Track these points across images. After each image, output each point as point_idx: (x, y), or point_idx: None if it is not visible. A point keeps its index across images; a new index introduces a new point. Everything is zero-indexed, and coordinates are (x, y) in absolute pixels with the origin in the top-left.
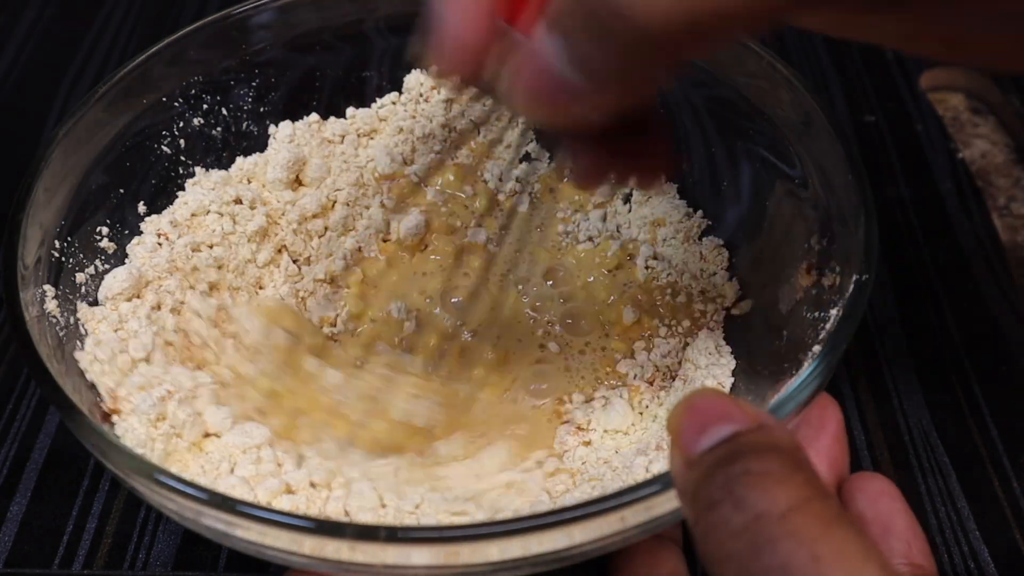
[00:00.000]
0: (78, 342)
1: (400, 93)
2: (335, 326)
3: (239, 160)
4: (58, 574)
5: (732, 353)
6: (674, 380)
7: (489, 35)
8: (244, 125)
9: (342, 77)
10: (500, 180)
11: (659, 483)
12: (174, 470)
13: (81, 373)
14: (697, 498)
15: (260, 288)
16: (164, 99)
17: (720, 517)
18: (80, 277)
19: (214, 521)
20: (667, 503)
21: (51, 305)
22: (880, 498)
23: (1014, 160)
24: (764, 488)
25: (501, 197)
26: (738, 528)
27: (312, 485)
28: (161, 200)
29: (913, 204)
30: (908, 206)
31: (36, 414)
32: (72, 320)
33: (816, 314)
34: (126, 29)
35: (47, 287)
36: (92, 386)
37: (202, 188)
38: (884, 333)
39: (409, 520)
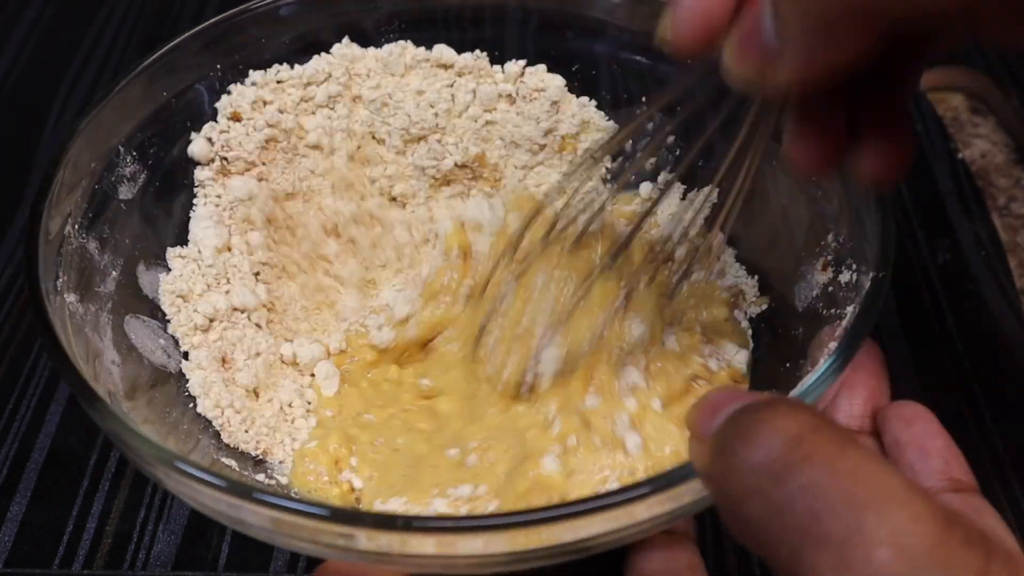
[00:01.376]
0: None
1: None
2: None
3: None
4: (58, 574)
5: (749, 348)
6: None
7: (727, 10)
8: None
9: None
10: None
11: (677, 474)
12: None
13: (101, 361)
14: (712, 461)
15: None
16: (175, 99)
17: (735, 458)
18: (103, 266)
19: (228, 507)
20: (684, 495)
21: (72, 297)
22: (915, 421)
23: (1014, 160)
24: (773, 424)
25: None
26: (755, 462)
27: None
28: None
29: (913, 204)
30: (908, 206)
31: (36, 414)
32: (92, 309)
33: (832, 311)
34: (126, 29)
35: (72, 295)
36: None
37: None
38: (884, 333)
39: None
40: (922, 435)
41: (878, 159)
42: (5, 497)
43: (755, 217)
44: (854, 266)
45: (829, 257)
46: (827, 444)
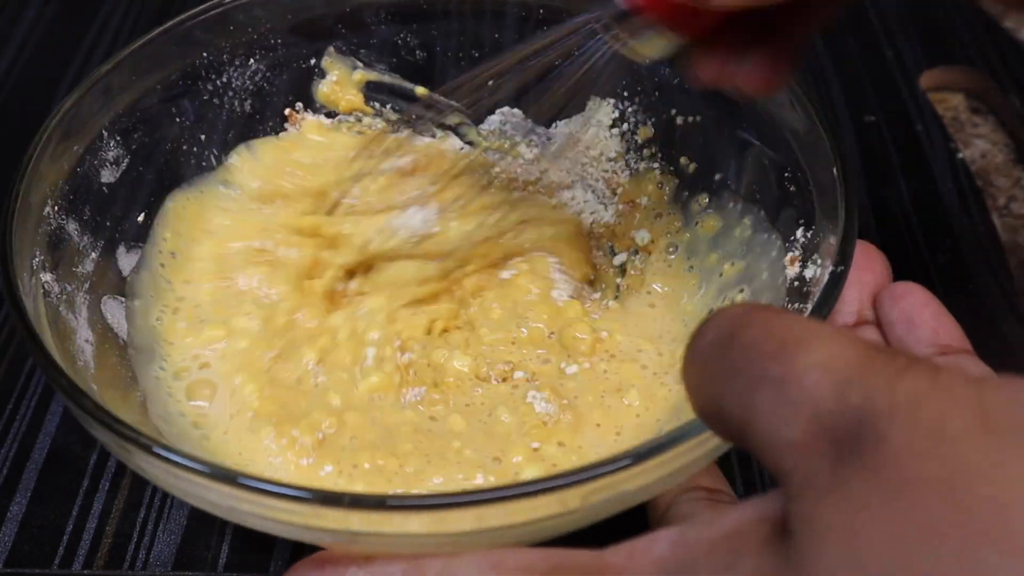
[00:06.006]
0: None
1: None
2: None
3: None
4: (58, 574)
5: None
6: None
7: None
8: (247, 107)
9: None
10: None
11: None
12: None
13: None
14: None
15: None
16: (160, 85)
17: (692, 348)
18: (82, 247)
19: (217, 495)
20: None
21: (48, 276)
22: (904, 297)
23: (1014, 160)
24: (720, 312)
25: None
26: (708, 341)
27: None
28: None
29: (913, 204)
30: (908, 206)
31: (36, 414)
32: (69, 289)
33: (796, 306)
34: (126, 29)
35: (48, 274)
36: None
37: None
38: None
39: None
40: (910, 308)
41: (760, 74)
42: (5, 497)
43: (725, 207)
44: (819, 261)
45: (797, 253)
46: (764, 312)
